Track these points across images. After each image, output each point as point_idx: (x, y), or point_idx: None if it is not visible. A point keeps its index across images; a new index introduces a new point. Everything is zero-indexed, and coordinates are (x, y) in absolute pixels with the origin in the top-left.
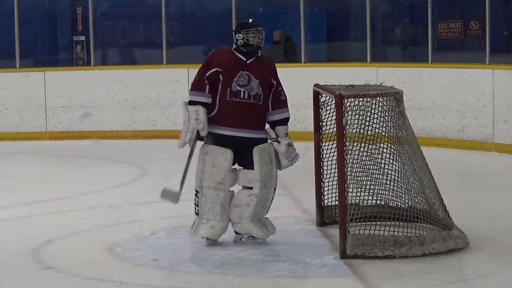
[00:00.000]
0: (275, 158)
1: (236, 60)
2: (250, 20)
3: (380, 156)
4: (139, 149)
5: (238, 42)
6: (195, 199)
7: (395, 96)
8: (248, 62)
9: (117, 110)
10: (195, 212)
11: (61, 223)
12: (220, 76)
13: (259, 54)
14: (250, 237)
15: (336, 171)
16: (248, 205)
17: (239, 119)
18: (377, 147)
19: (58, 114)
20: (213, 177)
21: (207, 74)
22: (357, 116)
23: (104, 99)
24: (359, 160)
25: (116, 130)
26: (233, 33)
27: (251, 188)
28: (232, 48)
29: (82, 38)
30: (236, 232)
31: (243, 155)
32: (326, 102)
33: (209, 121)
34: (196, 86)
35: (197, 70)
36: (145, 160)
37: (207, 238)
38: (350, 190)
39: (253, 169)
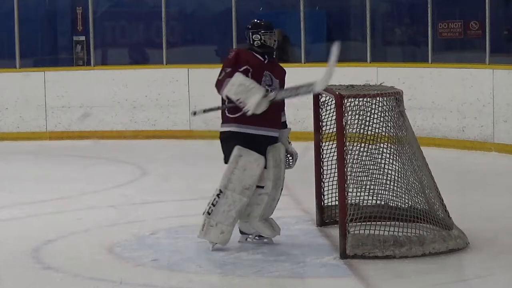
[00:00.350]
0: (283, 158)
1: (258, 60)
2: (265, 21)
3: (380, 156)
4: (139, 149)
5: (255, 42)
6: (214, 198)
7: (395, 96)
8: (266, 62)
9: (117, 110)
10: (207, 212)
11: (61, 223)
12: (249, 75)
13: (274, 56)
14: (256, 237)
15: (336, 171)
16: (258, 204)
17: (269, 118)
18: (377, 147)
19: (58, 114)
20: (242, 181)
21: (240, 70)
22: (357, 116)
23: (104, 99)
24: (359, 160)
25: (116, 130)
26: (250, 32)
27: (262, 187)
28: (247, 48)
29: (82, 38)
30: (242, 232)
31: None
32: (326, 102)
33: (238, 121)
34: (231, 75)
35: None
36: (145, 160)
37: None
38: (350, 190)
39: (265, 167)
